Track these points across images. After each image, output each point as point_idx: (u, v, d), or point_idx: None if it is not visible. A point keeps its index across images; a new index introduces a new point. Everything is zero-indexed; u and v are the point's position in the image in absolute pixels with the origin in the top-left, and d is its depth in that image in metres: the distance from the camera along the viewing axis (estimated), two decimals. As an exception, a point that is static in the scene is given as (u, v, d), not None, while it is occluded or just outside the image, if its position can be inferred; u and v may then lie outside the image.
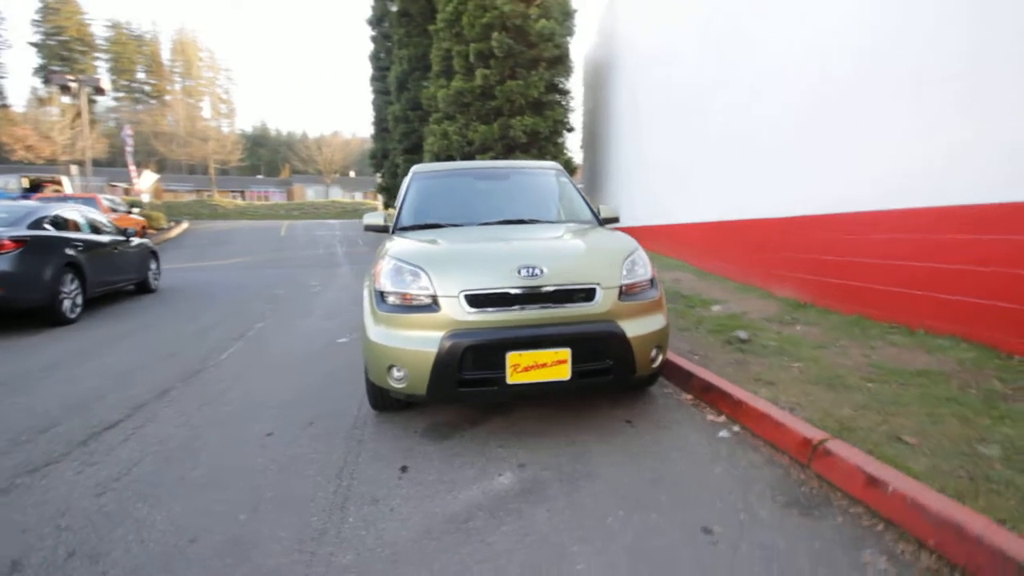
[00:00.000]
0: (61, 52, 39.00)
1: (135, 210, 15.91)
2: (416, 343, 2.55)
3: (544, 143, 13.17)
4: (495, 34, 12.21)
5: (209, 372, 4.17)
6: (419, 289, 2.64)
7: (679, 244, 8.47)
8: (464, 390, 2.55)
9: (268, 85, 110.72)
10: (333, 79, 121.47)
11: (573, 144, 14.65)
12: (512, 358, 2.48)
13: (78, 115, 23.86)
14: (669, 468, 2.39)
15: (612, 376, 2.63)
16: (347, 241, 18.21)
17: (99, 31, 38.25)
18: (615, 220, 3.90)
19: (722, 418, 2.92)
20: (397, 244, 3.09)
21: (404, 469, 2.44)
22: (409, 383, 2.58)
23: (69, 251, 5.99)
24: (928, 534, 1.76)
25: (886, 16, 4.40)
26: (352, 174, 56.02)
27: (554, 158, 12.82)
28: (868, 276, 4.52)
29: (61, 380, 4.02)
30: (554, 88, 13.39)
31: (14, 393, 3.71)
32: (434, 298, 2.59)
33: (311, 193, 50.94)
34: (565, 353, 2.51)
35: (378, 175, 22.18)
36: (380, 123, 20.58)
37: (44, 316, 5.69)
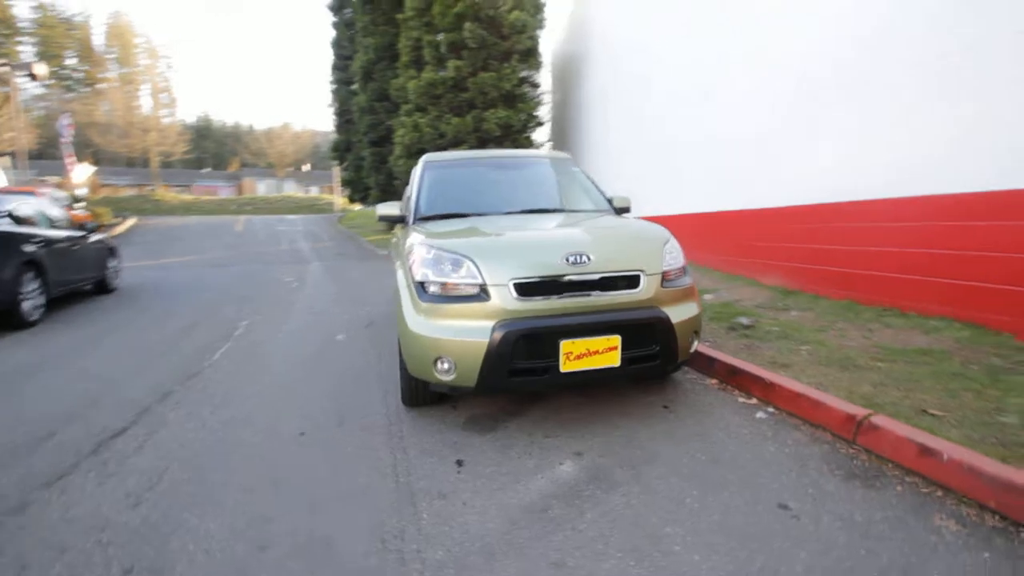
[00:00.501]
0: (-21, 35, 35.60)
1: (77, 205, 14.76)
2: (466, 333, 2.49)
3: (517, 136, 13.15)
4: (468, 24, 12.05)
5: (207, 373, 3.94)
6: (464, 278, 2.58)
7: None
8: (516, 379, 2.52)
9: (210, 75, 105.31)
10: (279, 70, 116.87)
11: (542, 138, 14.66)
12: (565, 346, 2.46)
13: (6, 101, 21.87)
14: (721, 450, 2.44)
15: (657, 362, 2.67)
16: (311, 236, 17.61)
17: (23, 12, 35.22)
18: (627, 209, 3.94)
19: (753, 400, 3.01)
20: (425, 233, 3.00)
21: (460, 463, 2.39)
22: (458, 375, 2.52)
23: (29, 248, 5.50)
24: (988, 496, 1.88)
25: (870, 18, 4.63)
26: (307, 168, 54.14)
27: (529, 151, 12.82)
28: (856, 263, 4.77)
29: (42, 386, 3.70)
30: (526, 81, 13.38)
31: (-8, 402, 3.39)
32: (482, 287, 2.53)
33: (262, 187, 48.96)
34: (616, 340, 2.52)
35: (340, 167, 21.50)
36: (343, 114, 19.92)
37: (3, 319, 5.21)
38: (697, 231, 7.40)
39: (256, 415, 3.08)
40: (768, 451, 2.40)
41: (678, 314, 2.72)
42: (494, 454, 2.47)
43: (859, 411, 2.46)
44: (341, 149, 20.42)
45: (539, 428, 2.73)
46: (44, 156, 35.88)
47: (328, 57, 22.38)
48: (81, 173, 22.60)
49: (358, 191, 19.76)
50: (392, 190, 16.33)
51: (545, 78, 14.51)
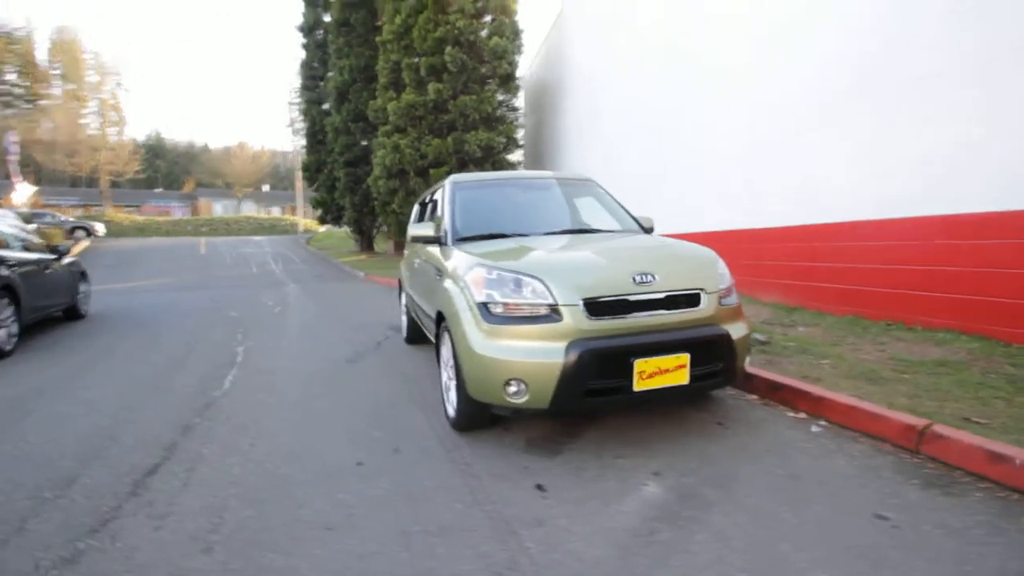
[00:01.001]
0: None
1: (29, 227, 13.79)
2: (539, 354, 2.46)
3: (497, 157, 13.27)
4: (448, 48, 12.19)
5: (221, 404, 3.71)
6: (531, 298, 2.55)
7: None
8: (590, 399, 2.49)
9: (160, 92, 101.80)
10: (233, 88, 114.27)
11: (517, 160, 14.86)
12: (639, 365, 2.46)
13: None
14: (794, 464, 2.48)
15: (720, 379, 2.70)
16: (280, 258, 17.08)
17: (-42, 25, 33.12)
18: (651, 230, 4.02)
19: (802, 415, 3.09)
20: (478, 253, 2.96)
21: (541, 488, 2.33)
22: (530, 396, 2.48)
23: (2, 271, 5.09)
24: (1067, 499, 1.98)
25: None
26: (266, 188, 52.72)
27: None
28: (859, 279, 5.01)
29: (42, 422, 3.40)
30: (504, 104, 13.58)
31: (-8, 442, 3.07)
32: (553, 307, 2.51)
33: (219, 208, 47.31)
34: (685, 358, 2.54)
35: (312, 188, 21.04)
36: (314, 134, 19.60)
37: (-27, 350, 4.78)
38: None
39: (298, 446, 2.92)
40: (839, 464, 2.45)
41: (735, 332, 2.77)
42: (570, 477, 2.42)
43: (918, 421, 2.55)
44: (312, 169, 20.03)
45: (605, 449, 2.70)
46: (-22, 175, 33.55)
47: (288, 76, 22.02)
48: (22, 193, 21.27)
49: (330, 212, 19.38)
50: (369, 211, 16.08)
51: (520, 101, 14.80)
